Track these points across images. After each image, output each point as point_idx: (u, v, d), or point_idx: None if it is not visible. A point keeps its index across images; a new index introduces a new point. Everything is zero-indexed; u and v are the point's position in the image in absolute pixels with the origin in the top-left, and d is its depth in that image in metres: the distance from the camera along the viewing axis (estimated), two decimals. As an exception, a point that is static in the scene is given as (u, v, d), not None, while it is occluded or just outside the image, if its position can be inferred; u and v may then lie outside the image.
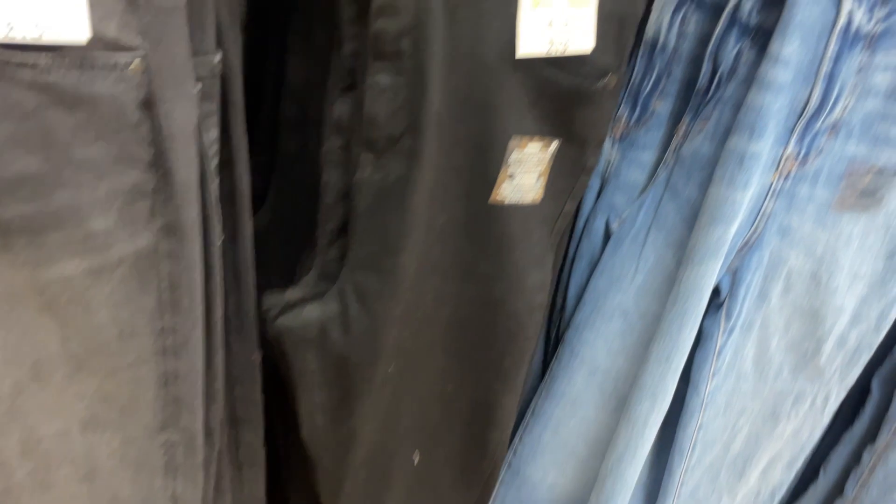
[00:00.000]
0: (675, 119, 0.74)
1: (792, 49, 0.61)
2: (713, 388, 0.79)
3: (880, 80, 0.65)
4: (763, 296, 0.75)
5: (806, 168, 0.69)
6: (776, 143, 0.66)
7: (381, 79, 0.53)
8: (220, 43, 0.51)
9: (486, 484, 0.82)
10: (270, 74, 0.68)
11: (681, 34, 0.71)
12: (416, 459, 0.75)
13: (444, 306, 0.66)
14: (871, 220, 0.72)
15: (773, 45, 0.62)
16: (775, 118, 0.64)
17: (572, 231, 0.80)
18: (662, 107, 0.74)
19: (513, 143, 0.59)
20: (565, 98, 0.60)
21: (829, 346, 0.79)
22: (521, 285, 0.67)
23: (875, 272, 0.75)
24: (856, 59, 0.64)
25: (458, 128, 0.57)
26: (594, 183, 0.79)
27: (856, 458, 0.93)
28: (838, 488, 0.94)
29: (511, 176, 0.61)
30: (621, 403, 0.80)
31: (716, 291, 0.74)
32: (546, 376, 0.85)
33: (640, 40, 0.72)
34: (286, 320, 0.62)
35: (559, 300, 0.84)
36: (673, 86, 0.73)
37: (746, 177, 0.66)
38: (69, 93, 0.44)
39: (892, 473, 0.90)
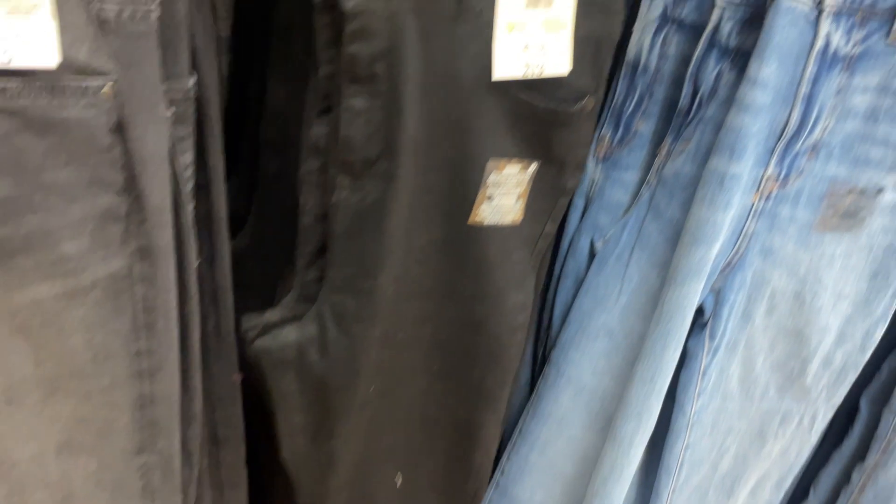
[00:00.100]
0: (658, 139, 0.74)
1: (770, 71, 0.61)
2: (699, 407, 0.79)
3: (859, 101, 0.65)
4: (747, 316, 0.75)
5: (787, 189, 0.69)
6: (756, 164, 0.66)
7: (356, 102, 0.54)
8: (195, 67, 0.52)
9: (471, 505, 0.82)
10: (252, 96, 0.68)
11: (662, 55, 0.71)
12: (399, 481, 0.74)
13: (425, 328, 0.66)
14: (854, 241, 0.71)
15: (752, 68, 0.62)
16: (755, 139, 0.64)
17: (557, 250, 0.80)
18: (645, 127, 0.74)
19: (491, 164, 0.59)
20: (543, 120, 0.60)
21: (814, 366, 0.79)
22: (502, 306, 0.67)
23: (859, 292, 0.74)
24: (834, 80, 0.64)
25: (436, 150, 0.57)
26: (578, 202, 0.79)
27: (846, 478, 0.92)
28: (829, 508, 0.93)
29: (490, 197, 0.61)
30: (608, 423, 0.79)
31: (699, 311, 0.74)
32: (533, 396, 0.85)
33: (622, 61, 0.73)
34: (264, 342, 0.62)
35: (545, 319, 0.84)
36: (655, 106, 0.73)
37: (727, 198, 0.66)
38: (40, 117, 0.44)
39: (883, 492, 0.89)
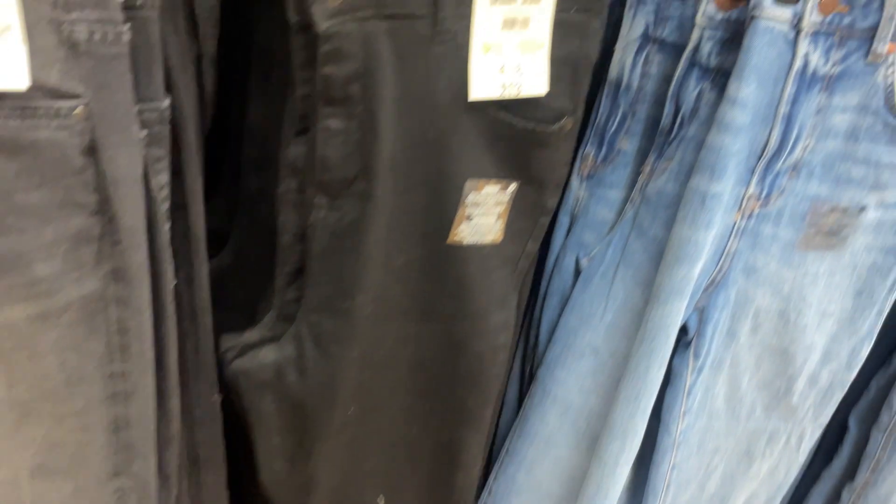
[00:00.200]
0: (641, 157, 0.74)
1: (749, 91, 0.61)
2: (685, 427, 0.79)
3: (839, 120, 0.65)
4: (732, 334, 0.75)
5: (768, 208, 0.69)
6: (737, 183, 0.66)
7: (331, 123, 0.54)
8: (170, 88, 0.51)
9: (455, 526, 0.81)
10: (234, 116, 0.68)
11: (644, 74, 0.71)
12: (381, 503, 0.74)
13: (405, 348, 0.66)
14: (837, 259, 0.71)
15: (731, 88, 0.62)
16: (735, 159, 0.64)
17: (542, 268, 0.80)
18: (628, 145, 0.74)
19: (469, 184, 0.59)
20: (521, 141, 0.60)
21: (800, 385, 0.78)
22: (484, 325, 0.67)
23: (844, 310, 0.74)
24: (814, 100, 0.64)
25: (413, 170, 0.57)
26: (563, 220, 0.79)
27: (836, 497, 0.91)
28: (818, 527, 0.93)
29: (469, 217, 0.61)
30: (594, 443, 0.79)
31: (683, 330, 0.74)
32: (519, 415, 0.84)
33: (605, 80, 0.73)
34: (243, 362, 0.61)
35: (532, 337, 0.84)
36: (638, 125, 0.73)
37: (708, 217, 0.66)
38: (10, 139, 0.44)
39: (873, 512, 0.89)
